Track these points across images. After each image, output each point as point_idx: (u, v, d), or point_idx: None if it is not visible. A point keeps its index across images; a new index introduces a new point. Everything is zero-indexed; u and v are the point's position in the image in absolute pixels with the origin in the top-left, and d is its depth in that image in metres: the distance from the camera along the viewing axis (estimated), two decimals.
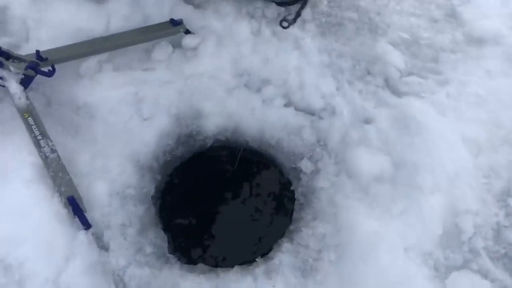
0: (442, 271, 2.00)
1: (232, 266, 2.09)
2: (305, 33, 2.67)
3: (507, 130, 2.31)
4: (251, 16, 2.71)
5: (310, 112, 2.43)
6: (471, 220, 2.12)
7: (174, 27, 2.54)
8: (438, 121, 2.31)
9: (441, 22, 2.77)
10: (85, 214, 1.99)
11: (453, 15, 2.80)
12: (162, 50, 2.54)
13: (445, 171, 2.16)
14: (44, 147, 2.09)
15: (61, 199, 1.98)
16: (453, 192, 2.15)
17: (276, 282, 1.96)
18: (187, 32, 2.57)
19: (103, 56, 2.48)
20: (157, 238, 2.13)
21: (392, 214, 2.09)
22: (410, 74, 2.56)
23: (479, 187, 2.19)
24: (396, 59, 2.58)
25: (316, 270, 2.03)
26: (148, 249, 2.07)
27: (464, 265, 2.03)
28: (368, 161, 2.22)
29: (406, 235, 2.04)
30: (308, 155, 2.34)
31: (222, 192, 2.40)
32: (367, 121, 2.37)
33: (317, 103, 2.42)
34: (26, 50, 2.41)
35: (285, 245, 2.11)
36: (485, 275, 1.99)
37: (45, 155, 2.07)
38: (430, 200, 2.11)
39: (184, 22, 2.56)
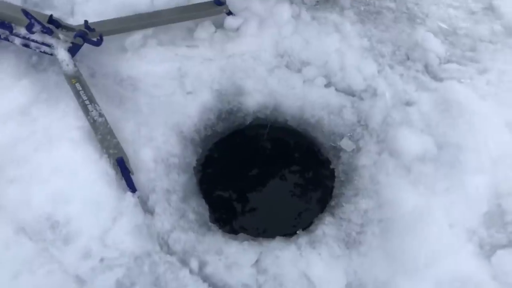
0: (487, 249, 1.98)
1: (274, 237, 2.08)
2: (344, 19, 2.71)
3: None
4: (291, 1, 2.75)
5: (350, 93, 2.45)
6: None
7: (217, 7, 2.58)
8: (480, 105, 2.31)
9: (478, 14, 2.81)
10: (132, 176, 1.99)
11: (490, 8, 2.84)
12: (204, 29, 2.57)
13: (489, 152, 2.16)
14: (92, 111, 2.11)
15: (110, 160, 1.99)
16: (496, 173, 2.14)
17: (321, 251, 1.95)
18: (230, 13, 2.61)
19: (148, 31, 2.52)
20: (200, 206, 2.13)
21: (435, 192, 2.09)
22: (449, 61, 2.58)
23: None
24: (436, 46, 2.60)
25: (359, 242, 2.02)
26: (191, 216, 2.07)
27: (509, 244, 2.00)
28: (410, 141, 2.22)
29: (450, 211, 2.03)
30: (349, 134, 2.35)
31: (261, 168, 2.40)
32: (409, 103, 2.38)
33: (358, 84, 2.44)
34: (72, 23, 2.44)
35: (327, 218, 2.10)
36: None
37: (93, 119, 2.09)
38: (474, 180, 2.10)
39: (227, 3, 2.60)
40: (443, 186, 2.10)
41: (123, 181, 1.99)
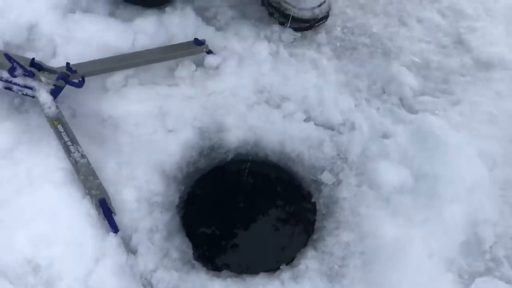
0: (465, 277, 2.03)
1: (257, 273, 2.09)
2: (321, 55, 2.80)
3: None
4: (269, 40, 2.84)
5: (329, 127, 2.51)
6: (491, 229, 2.16)
7: (197, 47, 2.65)
8: (454, 136, 2.39)
9: (449, 48, 2.92)
10: (115, 217, 2.00)
11: (459, 42, 2.95)
12: (185, 68, 2.63)
13: (463, 182, 2.22)
14: (74, 152, 2.13)
15: (92, 201, 2.00)
16: (472, 202, 2.20)
17: (304, 285, 1.97)
18: (209, 52, 2.68)
19: (129, 71, 2.56)
20: (183, 244, 2.14)
21: (414, 222, 2.14)
22: (423, 94, 2.68)
23: (497, 199, 2.26)
24: (410, 80, 2.70)
25: (342, 275, 2.04)
26: (175, 255, 2.07)
27: (487, 273, 2.06)
28: (388, 173, 2.28)
29: (429, 242, 2.07)
30: (329, 168, 2.39)
31: (243, 203, 2.43)
32: (386, 136, 2.45)
33: (336, 119, 2.51)
34: (53, 65, 2.48)
35: (310, 252, 2.13)
36: (509, 281, 2.01)
37: (75, 160, 2.11)
38: (451, 209, 2.16)
39: (207, 42, 2.67)
40: (421, 216, 2.15)
41: (106, 222, 2.00)
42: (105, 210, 1.97)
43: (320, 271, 2.06)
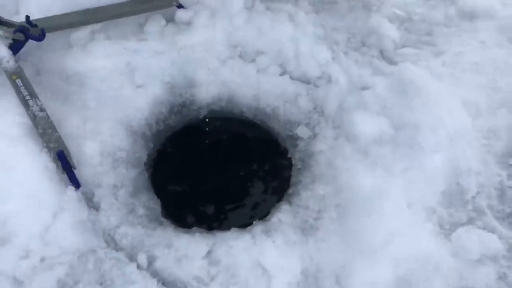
0: (446, 228, 1.92)
1: (229, 229, 1.99)
2: (298, 9, 2.67)
3: (504, 94, 2.28)
4: None
5: (305, 81, 2.40)
6: (473, 179, 2.05)
7: (167, 0, 2.52)
8: (436, 85, 2.27)
9: (433, 0, 2.79)
10: (75, 171, 1.89)
11: None
12: (155, 22, 2.51)
13: (445, 131, 2.11)
14: (33, 106, 2.01)
15: (50, 154, 1.89)
16: (454, 151, 2.09)
17: (276, 239, 1.87)
18: (180, 6, 2.55)
19: (95, 26, 2.45)
20: (150, 201, 2.04)
21: (393, 173, 2.03)
22: (404, 46, 2.56)
23: (480, 148, 2.15)
24: (391, 32, 2.58)
25: (316, 228, 1.94)
26: (141, 211, 1.97)
27: (469, 222, 1.95)
28: (367, 124, 2.17)
29: (409, 191, 1.97)
30: (305, 122, 2.29)
31: (218, 162, 2.32)
32: (364, 87, 2.33)
33: (312, 72, 2.40)
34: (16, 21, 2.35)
35: (284, 206, 2.02)
36: (492, 230, 1.91)
37: (33, 114, 1.99)
38: (432, 159, 2.05)
39: None
40: (401, 166, 2.05)
41: (65, 176, 1.89)
42: (64, 162, 1.86)
43: (293, 225, 1.95)
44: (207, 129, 2.40)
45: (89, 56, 2.36)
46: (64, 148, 1.90)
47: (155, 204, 2.05)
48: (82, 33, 2.40)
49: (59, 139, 1.93)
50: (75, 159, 1.94)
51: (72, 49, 2.38)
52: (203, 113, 2.38)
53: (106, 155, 2.05)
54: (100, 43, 2.40)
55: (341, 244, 1.86)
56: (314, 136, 2.23)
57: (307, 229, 1.94)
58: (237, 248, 1.84)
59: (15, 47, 2.21)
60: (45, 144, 1.92)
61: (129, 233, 1.86)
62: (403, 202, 1.94)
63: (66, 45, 2.40)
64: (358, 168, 2.07)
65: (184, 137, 2.38)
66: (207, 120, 2.39)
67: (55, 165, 1.89)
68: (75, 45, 2.39)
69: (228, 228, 2.01)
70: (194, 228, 2.02)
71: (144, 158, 2.18)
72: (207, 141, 2.39)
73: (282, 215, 1.97)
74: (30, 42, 2.25)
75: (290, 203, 2.06)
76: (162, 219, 2.02)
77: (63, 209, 1.82)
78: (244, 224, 2.03)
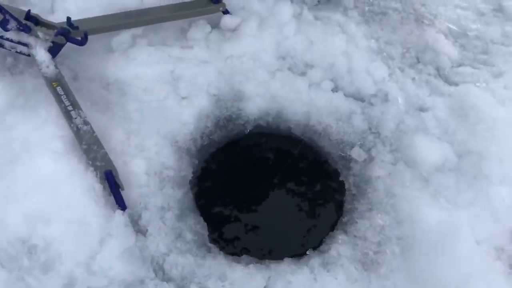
0: None
1: (282, 259, 1.86)
2: (348, 19, 2.53)
3: None
4: (291, 0, 2.54)
5: (360, 98, 2.26)
6: None
7: (213, 5, 2.38)
8: (500, 110, 2.14)
9: (488, 16, 2.66)
10: (122, 192, 1.75)
11: (500, 9, 2.69)
12: (199, 29, 2.36)
13: None
14: (76, 118, 1.87)
15: (96, 174, 1.75)
16: None
17: (337, 274, 1.73)
18: (226, 12, 2.40)
19: (137, 31, 2.30)
20: (197, 225, 1.90)
21: (458, 205, 1.91)
22: (461, 64, 2.42)
23: None
24: (447, 48, 2.45)
25: (378, 263, 1.81)
26: (189, 236, 1.84)
27: None
28: (428, 150, 2.05)
29: (476, 227, 1.85)
30: (359, 143, 2.15)
31: (263, 181, 2.17)
32: (423, 109, 2.21)
33: (367, 89, 2.26)
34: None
35: (340, 237, 1.89)
36: None
37: (77, 127, 1.85)
38: (499, 191, 1.93)
39: (223, 0, 2.39)
40: (466, 198, 1.93)
41: (112, 198, 1.75)
42: (112, 183, 1.72)
43: (353, 258, 1.82)
44: (252, 145, 2.25)
45: (130, 62, 2.22)
46: (112, 167, 1.76)
47: (202, 228, 1.92)
48: (123, 37, 2.25)
49: (105, 157, 1.79)
50: (121, 178, 1.79)
51: (112, 54, 2.23)
52: (249, 128, 2.23)
53: (153, 174, 1.91)
54: (142, 49, 2.25)
55: (408, 283, 1.73)
56: (370, 159, 2.09)
57: (368, 264, 1.82)
58: (297, 283, 1.71)
59: (54, 50, 2.06)
60: (90, 162, 1.77)
61: (178, 262, 1.73)
62: (471, 240, 1.81)
63: (106, 49, 2.25)
64: (420, 198, 1.94)
65: (229, 153, 2.23)
66: (252, 135, 2.24)
67: (101, 186, 1.74)
68: (117, 49, 2.24)
69: (280, 257, 1.88)
70: (244, 257, 1.88)
71: (189, 176, 2.04)
72: (252, 158, 2.24)
73: (340, 247, 1.84)
74: (68, 44, 2.09)
75: (346, 232, 1.93)
76: (210, 244, 1.88)
77: (110, 235, 1.68)
78: (297, 254, 1.90)
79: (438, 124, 2.13)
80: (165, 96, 2.15)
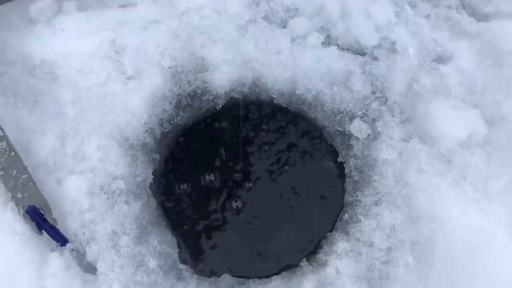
0: None
1: (269, 276, 1.51)
2: None
3: None
4: None
5: (359, 51, 1.79)
6: None
7: None
8: None
9: None
10: (57, 227, 1.38)
11: None
12: None
13: None
14: None
15: (19, 211, 1.36)
16: None
17: None
18: None
19: None
20: (163, 244, 1.54)
21: (490, 194, 1.51)
22: None
23: None
24: None
25: (388, 278, 1.46)
26: (152, 263, 1.48)
27: None
28: (449, 119, 1.63)
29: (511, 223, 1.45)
30: (361, 113, 1.69)
31: (243, 170, 1.76)
32: (442, 59, 1.75)
33: (369, 38, 1.79)
34: None
35: (340, 244, 1.52)
36: None
37: None
38: None
39: None
40: (500, 184, 1.51)
41: (45, 235, 1.38)
42: (38, 221, 1.34)
43: (356, 274, 1.48)
44: (227, 123, 1.81)
45: (58, 35, 1.76)
46: (38, 199, 1.37)
47: (170, 246, 1.56)
48: (44, 1, 1.73)
49: (28, 184, 1.38)
50: (54, 207, 1.40)
51: (35, 27, 1.76)
52: (221, 103, 1.77)
53: (98, 191, 1.52)
54: (70, 15, 1.77)
55: None
56: (375, 136, 1.65)
57: (375, 280, 1.46)
58: None
59: None
60: (10, 195, 1.37)
61: None
62: (507, 242, 1.42)
63: (26, 21, 1.77)
64: (440, 187, 1.55)
65: (200, 138, 1.80)
66: (227, 110, 1.80)
67: (27, 226, 1.36)
68: (38, 20, 1.74)
69: (268, 271, 1.55)
70: (224, 277, 1.54)
71: (149, 179, 1.64)
72: (228, 141, 1.81)
73: (340, 262, 1.48)
74: None
75: (347, 234, 1.56)
76: (181, 266, 1.54)
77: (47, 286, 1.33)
78: (289, 265, 1.55)
79: (462, 81, 1.68)
80: (106, 77, 1.71)
